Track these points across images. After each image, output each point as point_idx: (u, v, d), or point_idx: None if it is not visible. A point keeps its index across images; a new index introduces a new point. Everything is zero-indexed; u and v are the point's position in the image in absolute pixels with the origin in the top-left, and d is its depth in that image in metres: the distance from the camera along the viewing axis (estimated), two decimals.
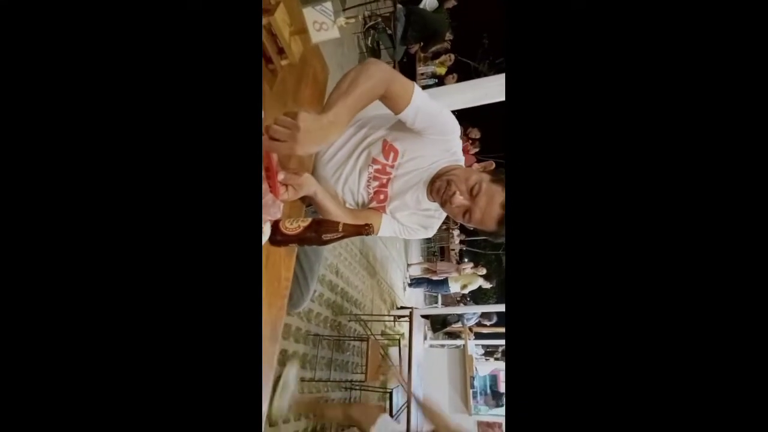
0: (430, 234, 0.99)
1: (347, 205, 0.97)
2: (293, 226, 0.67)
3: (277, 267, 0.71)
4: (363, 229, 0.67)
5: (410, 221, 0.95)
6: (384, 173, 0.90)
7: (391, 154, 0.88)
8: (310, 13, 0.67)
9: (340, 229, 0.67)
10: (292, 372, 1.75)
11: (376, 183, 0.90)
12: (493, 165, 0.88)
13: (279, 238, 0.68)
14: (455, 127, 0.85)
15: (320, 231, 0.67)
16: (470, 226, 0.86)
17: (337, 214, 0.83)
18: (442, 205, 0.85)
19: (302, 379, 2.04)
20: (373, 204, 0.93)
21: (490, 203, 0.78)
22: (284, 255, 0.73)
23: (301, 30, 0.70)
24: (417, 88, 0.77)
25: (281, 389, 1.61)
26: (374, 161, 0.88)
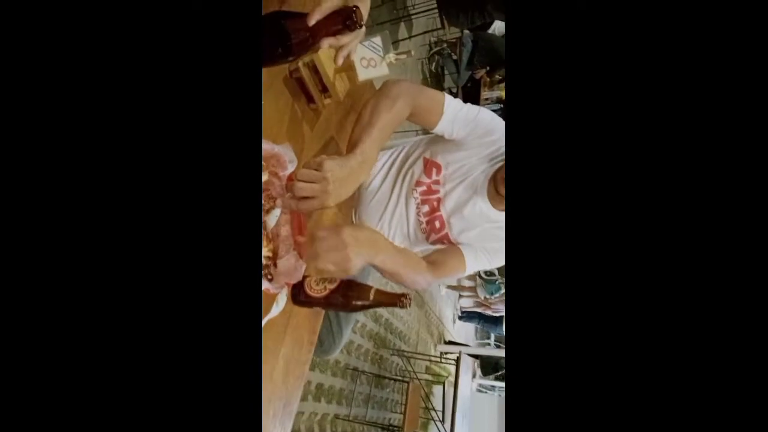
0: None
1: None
2: (319, 287, 0.59)
3: (299, 330, 0.63)
4: (398, 300, 0.56)
5: (485, 241, 0.78)
6: (431, 193, 0.78)
7: (434, 170, 0.77)
8: (357, 49, 0.60)
9: (371, 297, 0.57)
10: None
11: (427, 208, 0.79)
12: None
13: (303, 299, 0.59)
14: (500, 123, 0.73)
15: (349, 296, 0.58)
16: None
17: (410, 276, 0.63)
18: None
19: (336, 417, 1.94)
20: (433, 237, 0.82)
21: None
22: (309, 316, 0.65)
23: (347, 67, 0.63)
24: (447, 96, 0.68)
25: None
26: (417, 183, 0.78)
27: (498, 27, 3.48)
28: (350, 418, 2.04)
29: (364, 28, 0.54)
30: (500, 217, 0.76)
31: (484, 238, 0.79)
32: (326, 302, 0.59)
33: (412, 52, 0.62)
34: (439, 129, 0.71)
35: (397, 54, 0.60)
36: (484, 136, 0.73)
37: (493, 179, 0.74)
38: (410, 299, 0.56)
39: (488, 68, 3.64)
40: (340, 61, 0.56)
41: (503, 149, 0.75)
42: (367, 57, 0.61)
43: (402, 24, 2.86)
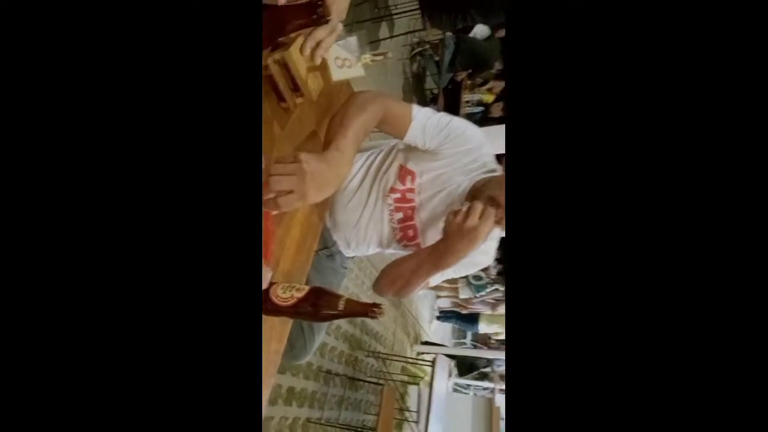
0: (488, 261, 0.83)
1: (372, 250, 0.87)
2: (286, 296, 0.56)
3: (265, 338, 0.60)
4: (369, 310, 0.54)
5: None
6: (405, 201, 0.78)
7: (408, 178, 0.77)
8: (331, 48, 0.58)
9: (342, 307, 0.55)
10: None
11: (400, 215, 0.79)
12: None
13: (269, 307, 0.57)
14: (475, 133, 0.72)
15: (318, 305, 0.55)
16: None
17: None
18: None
19: (308, 420, 1.90)
20: (404, 242, 0.81)
21: None
22: (277, 323, 0.62)
23: (321, 65, 0.60)
24: (415, 105, 0.69)
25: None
26: (392, 190, 0.78)
27: (480, 31, 3.51)
28: (323, 422, 2.01)
29: (340, 24, 0.52)
30: None
31: None
32: (294, 311, 0.56)
33: (389, 54, 0.60)
34: (410, 137, 0.70)
35: (374, 55, 0.58)
36: (461, 144, 0.72)
37: (470, 193, 0.74)
38: (382, 310, 0.54)
39: (470, 71, 3.67)
40: (318, 60, 0.54)
41: (480, 160, 0.75)
42: (342, 57, 0.59)
43: (383, 23, 2.84)
